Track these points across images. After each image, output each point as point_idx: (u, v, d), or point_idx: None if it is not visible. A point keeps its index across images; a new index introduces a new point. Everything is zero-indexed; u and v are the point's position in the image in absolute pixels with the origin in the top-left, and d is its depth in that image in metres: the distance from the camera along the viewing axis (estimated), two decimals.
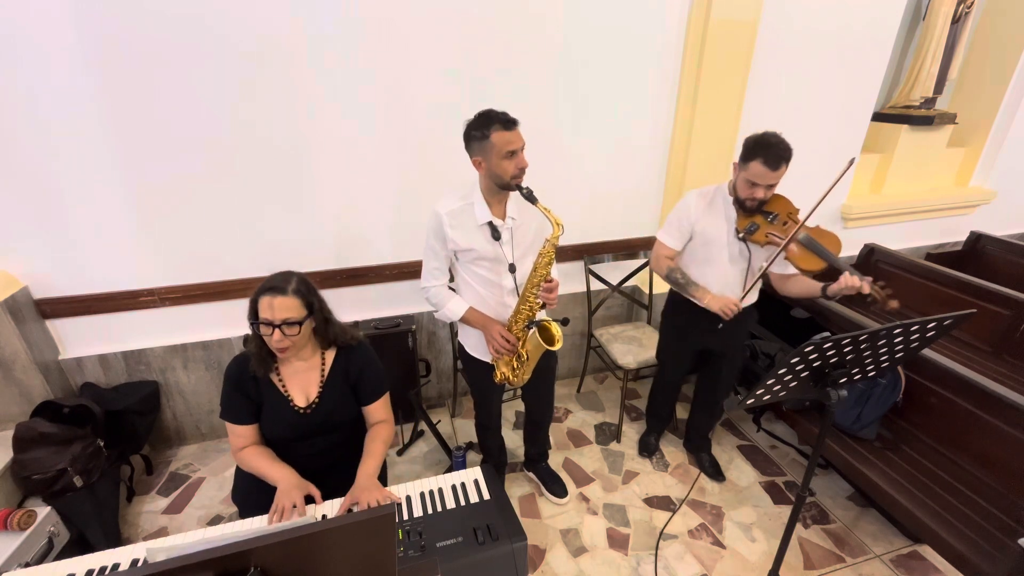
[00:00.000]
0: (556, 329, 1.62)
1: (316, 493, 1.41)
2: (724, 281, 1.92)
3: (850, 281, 1.62)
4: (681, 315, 2.10)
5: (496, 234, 1.61)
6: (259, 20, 1.89)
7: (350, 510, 1.39)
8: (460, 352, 1.93)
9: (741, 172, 1.75)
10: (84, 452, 1.88)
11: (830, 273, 1.72)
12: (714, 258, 1.91)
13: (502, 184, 1.54)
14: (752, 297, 2.01)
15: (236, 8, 1.85)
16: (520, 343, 1.68)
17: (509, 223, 1.64)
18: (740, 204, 1.81)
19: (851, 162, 1.65)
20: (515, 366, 1.73)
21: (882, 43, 2.79)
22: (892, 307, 1.62)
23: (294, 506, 1.34)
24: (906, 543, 2.04)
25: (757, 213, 1.80)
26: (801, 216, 1.72)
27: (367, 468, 1.46)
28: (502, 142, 1.47)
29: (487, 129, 1.47)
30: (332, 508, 1.41)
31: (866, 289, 1.61)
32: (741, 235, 1.82)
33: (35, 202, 1.94)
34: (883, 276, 3.09)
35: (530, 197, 1.50)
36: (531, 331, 1.63)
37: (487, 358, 1.80)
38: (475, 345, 1.83)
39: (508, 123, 1.46)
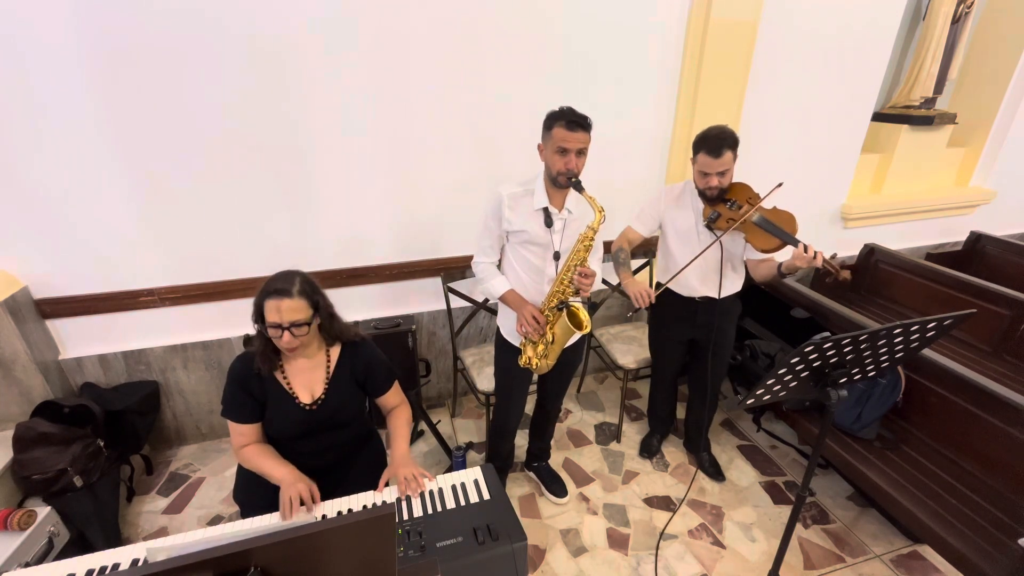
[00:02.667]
0: (585, 314, 1.68)
1: (315, 491, 1.41)
2: (700, 270, 1.98)
3: (799, 252, 1.71)
4: (664, 306, 2.16)
5: (549, 221, 1.68)
6: (262, 20, 1.89)
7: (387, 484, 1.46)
8: (496, 338, 1.98)
9: (694, 166, 1.87)
10: (84, 452, 1.88)
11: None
12: (687, 248, 1.99)
13: (551, 176, 1.63)
14: (732, 288, 2.06)
15: (239, 7, 1.85)
16: (549, 325, 1.73)
17: (565, 214, 1.71)
18: (702, 195, 1.91)
19: (778, 184, 1.77)
20: (540, 350, 1.77)
21: (882, 43, 2.79)
22: (844, 278, 1.71)
23: (301, 503, 1.35)
24: (906, 543, 2.04)
25: (719, 202, 1.90)
26: (756, 203, 1.84)
27: (400, 448, 1.54)
28: (558, 137, 1.56)
29: (553, 121, 1.57)
30: (333, 509, 1.41)
31: (819, 262, 1.68)
32: (706, 223, 1.92)
33: (35, 202, 1.93)
34: (883, 276, 3.10)
35: (577, 186, 1.59)
36: (561, 313, 1.70)
37: (516, 341, 1.85)
38: (509, 330, 1.87)
39: (572, 123, 1.54)
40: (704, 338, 2.14)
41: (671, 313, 2.15)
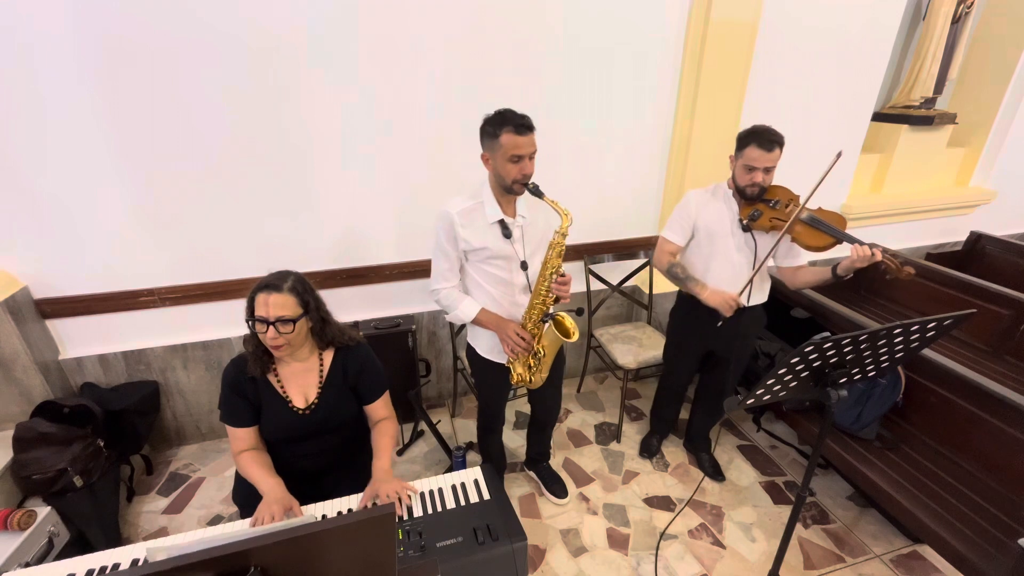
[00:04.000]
0: (570, 321, 1.63)
1: (297, 508, 1.38)
2: (732, 272, 1.92)
3: (861, 252, 1.63)
4: (688, 314, 2.10)
5: (507, 232, 1.61)
6: (263, 20, 1.89)
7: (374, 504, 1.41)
8: (470, 355, 1.91)
9: (738, 160, 1.80)
10: (84, 452, 1.88)
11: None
12: (720, 251, 1.92)
13: (504, 186, 1.55)
14: (761, 297, 2.01)
15: (238, 8, 1.85)
16: (536, 340, 1.68)
17: (520, 221, 1.65)
18: (741, 193, 1.84)
19: (838, 155, 1.64)
20: (532, 364, 1.72)
21: (882, 43, 2.80)
22: (908, 273, 1.61)
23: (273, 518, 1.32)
24: (906, 543, 2.04)
25: (759, 201, 1.84)
26: (802, 200, 1.76)
27: (382, 464, 1.49)
28: (509, 144, 1.47)
29: (499, 128, 1.48)
30: (332, 509, 1.41)
31: (878, 257, 1.61)
32: (745, 223, 1.84)
33: (35, 202, 1.93)
34: (883, 276, 3.09)
35: (536, 192, 1.51)
36: (546, 325, 1.64)
37: (501, 360, 1.80)
38: (489, 348, 1.81)
39: (520, 127, 1.46)
40: (723, 349, 2.10)
41: (694, 322, 2.05)
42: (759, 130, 1.74)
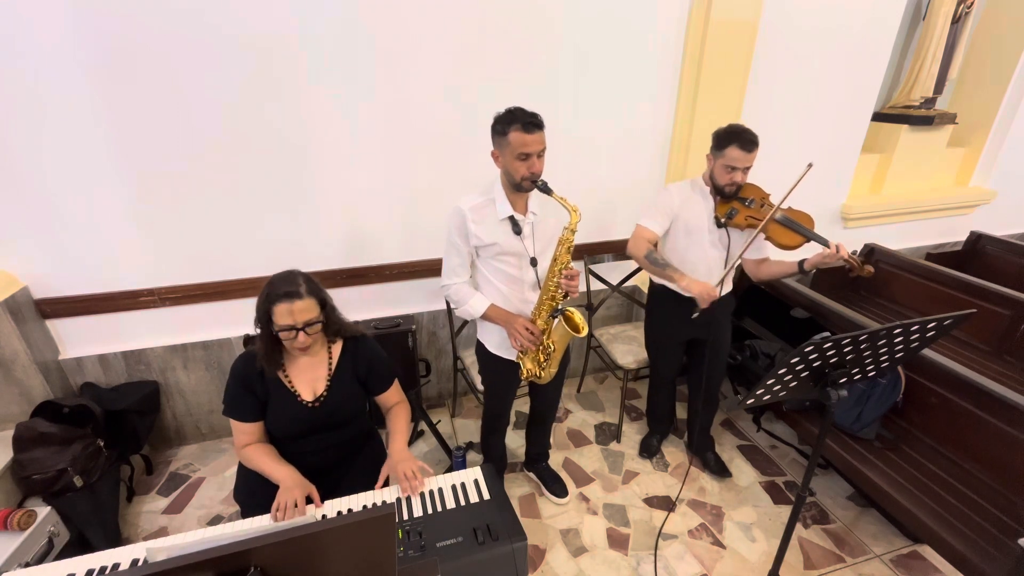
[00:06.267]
0: (580, 317, 1.65)
1: (315, 494, 1.41)
2: (706, 267, 1.98)
3: (833, 250, 1.72)
4: (661, 307, 2.16)
5: (517, 228, 1.63)
6: (263, 19, 1.89)
7: (386, 483, 1.47)
8: (479, 352, 1.92)
9: (718, 160, 1.85)
10: (84, 452, 1.88)
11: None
12: (695, 246, 1.98)
13: (513, 183, 1.57)
14: (728, 286, 2.07)
15: (240, 7, 1.85)
16: (545, 334, 1.69)
17: (531, 218, 1.66)
18: (719, 191, 1.90)
19: (809, 166, 1.75)
20: (541, 360, 1.74)
21: (882, 43, 2.79)
22: (868, 271, 1.73)
23: (296, 504, 1.35)
24: (906, 543, 2.04)
25: (734, 199, 1.91)
26: (774, 200, 1.86)
27: (398, 444, 1.55)
28: (518, 142, 1.48)
29: (508, 126, 1.49)
30: (333, 509, 1.41)
31: (846, 255, 1.72)
32: (722, 221, 1.90)
33: (35, 202, 1.93)
34: (883, 276, 3.10)
35: (545, 188, 1.53)
36: (556, 321, 1.66)
37: (511, 356, 1.81)
38: (498, 343, 1.82)
39: (528, 125, 1.47)
40: (703, 337, 2.13)
41: (670, 313, 2.13)
42: (739, 130, 1.78)
